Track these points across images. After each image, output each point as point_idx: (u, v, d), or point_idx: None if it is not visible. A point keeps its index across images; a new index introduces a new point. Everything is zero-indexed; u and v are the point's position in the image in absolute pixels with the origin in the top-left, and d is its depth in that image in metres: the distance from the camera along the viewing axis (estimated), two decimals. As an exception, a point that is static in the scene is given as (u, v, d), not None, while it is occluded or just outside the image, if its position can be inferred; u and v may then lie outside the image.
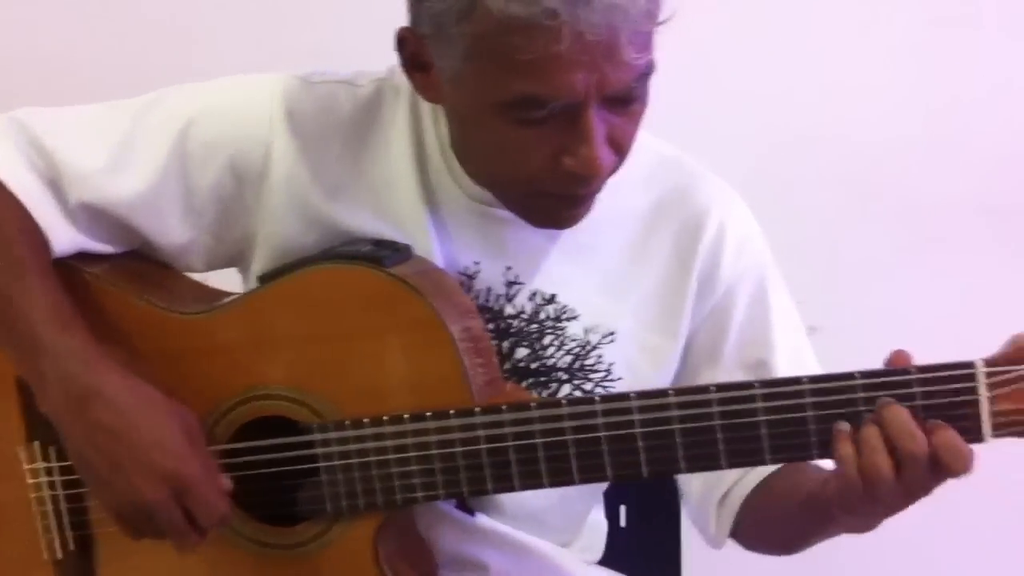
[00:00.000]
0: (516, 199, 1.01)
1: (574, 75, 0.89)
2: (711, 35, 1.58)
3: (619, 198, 1.06)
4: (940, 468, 0.88)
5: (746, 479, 1.08)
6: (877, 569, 1.72)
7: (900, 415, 0.89)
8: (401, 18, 0.97)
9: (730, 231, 1.08)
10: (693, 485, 1.12)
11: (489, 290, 1.07)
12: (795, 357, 1.08)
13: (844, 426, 0.90)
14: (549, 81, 0.89)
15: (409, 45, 0.98)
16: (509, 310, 1.07)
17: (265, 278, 1.03)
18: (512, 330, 1.07)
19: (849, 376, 0.91)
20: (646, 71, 0.93)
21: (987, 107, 1.61)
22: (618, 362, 1.08)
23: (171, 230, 1.05)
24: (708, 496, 1.10)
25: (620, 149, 0.97)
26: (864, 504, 0.91)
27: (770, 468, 1.06)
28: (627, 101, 0.94)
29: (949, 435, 0.88)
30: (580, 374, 1.08)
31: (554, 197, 0.98)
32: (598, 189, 0.99)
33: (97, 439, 0.96)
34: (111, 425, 0.96)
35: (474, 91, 0.94)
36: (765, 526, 1.09)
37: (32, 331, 0.98)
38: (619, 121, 0.95)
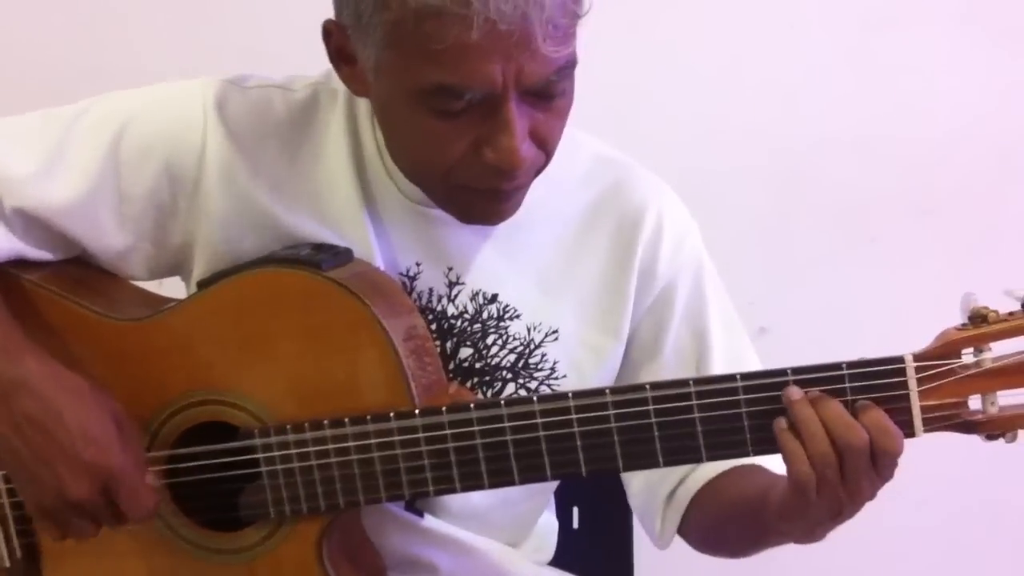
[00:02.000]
0: (442, 194, 1.01)
1: (489, 65, 0.89)
2: (659, 47, 1.59)
3: (556, 196, 1.06)
4: (875, 452, 0.88)
5: (692, 478, 1.08)
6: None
7: (834, 407, 0.89)
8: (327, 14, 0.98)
9: (667, 227, 1.09)
10: (634, 484, 1.12)
11: (431, 291, 1.07)
12: (731, 349, 1.09)
13: (783, 422, 0.91)
14: (463, 70, 0.89)
15: (334, 37, 0.98)
16: (451, 310, 1.07)
17: (204, 283, 1.03)
18: (455, 330, 1.08)
19: (782, 372, 0.91)
20: (566, 65, 0.93)
21: (923, 112, 1.64)
22: (562, 360, 1.08)
23: (107, 237, 1.05)
24: (653, 495, 1.11)
25: (544, 144, 0.97)
26: (811, 505, 0.90)
27: (717, 468, 1.07)
28: (549, 96, 0.94)
29: (877, 415, 0.89)
30: (524, 373, 1.08)
31: (477, 192, 0.98)
32: (523, 184, 0.98)
33: (22, 431, 0.95)
34: (36, 416, 0.94)
35: (393, 81, 0.94)
36: (711, 528, 1.09)
37: None
38: (542, 117, 0.95)
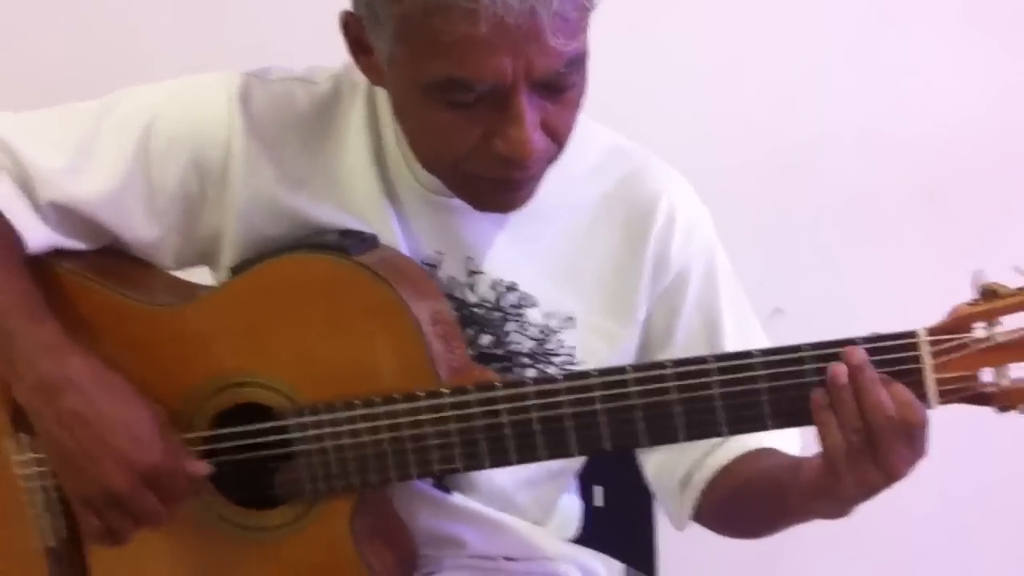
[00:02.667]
0: (455, 182, 1.02)
1: (497, 58, 0.90)
2: (668, 39, 1.61)
3: (571, 186, 1.08)
4: (898, 424, 0.89)
5: (707, 463, 1.10)
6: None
7: (901, 391, 0.89)
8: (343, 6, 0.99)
9: (680, 216, 1.10)
10: (649, 469, 1.14)
11: (452, 279, 1.09)
12: (741, 335, 1.11)
13: (820, 395, 0.91)
14: (472, 64, 0.90)
15: (351, 29, 0.99)
16: (472, 298, 1.10)
17: (235, 269, 1.05)
18: (475, 317, 1.10)
19: (797, 348, 0.93)
20: (576, 57, 0.94)
21: (928, 102, 1.65)
22: (578, 346, 1.10)
23: (138, 228, 1.07)
24: (668, 479, 1.13)
25: (556, 135, 0.98)
26: (843, 480, 0.91)
27: (731, 454, 1.08)
28: (560, 88, 0.95)
29: (898, 388, 0.90)
30: (543, 358, 1.10)
31: (489, 181, 0.99)
32: (536, 174, 0.99)
33: (66, 426, 0.98)
34: (80, 412, 0.97)
35: (405, 73, 0.95)
36: (728, 511, 1.11)
37: (4, 327, 1.00)
38: (554, 108, 0.96)
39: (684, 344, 1.11)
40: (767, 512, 1.06)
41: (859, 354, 0.91)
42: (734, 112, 1.64)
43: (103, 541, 1.02)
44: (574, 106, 0.98)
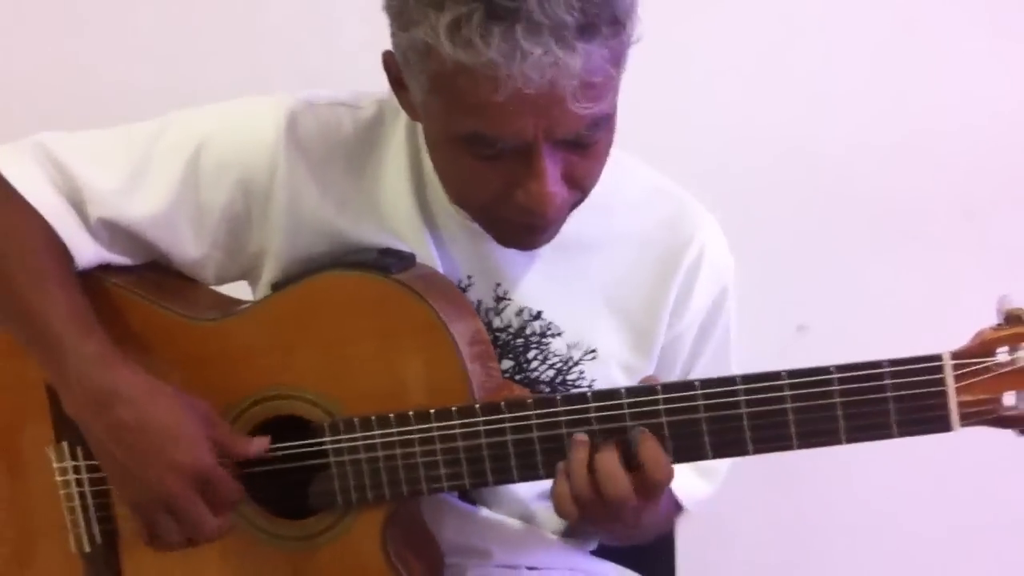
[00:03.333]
0: (481, 222, 1.05)
1: (519, 121, 0.91)
2: (696, 46, 1.62)
3: (607, 223, 1.11)
4: (647, 482, 0.97)
5: None
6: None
7: (606, 459, 0.97)
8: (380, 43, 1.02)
9: (707, 260, 1.12)
10: None
11: (479, 303, 1.12)
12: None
13: (561, 465, 0.99)
14: (495, 124, 0.92)
15: (391, 68, 1.02)
16: (497, 323, 1.12)
17: (277, 286, 1.08)
18: (499, 342, 1.12)
19: (825, 370, 0.96)
20: (601, 117, 0.95)
21: (961, 114, 1.65)
22: (599, 379, 1.13)
23: (185, 246, 1.10)
24: None
25: (580, 184, 0.99)
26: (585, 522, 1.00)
27: None
28: (584, 144, 0.96)
29: (652, 447, 0.97)
30: (562, 388, 1.13)
31: (512, 223, 1.01)
32: (557, 219, 1.01)
33: (118, 436, 1.00)
34: (130, 422, 1.00)
35: (435, 123, 0.99)
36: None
37: (54, 336, 1.02)
38: (578, 159, 0.97)
39: (678, 371, 1.15)
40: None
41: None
42: (758, 128, 1.65)
43: (157, 547, 1.03)
44: (600, 157, 1.00)
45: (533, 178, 0.95)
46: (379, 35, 1.00)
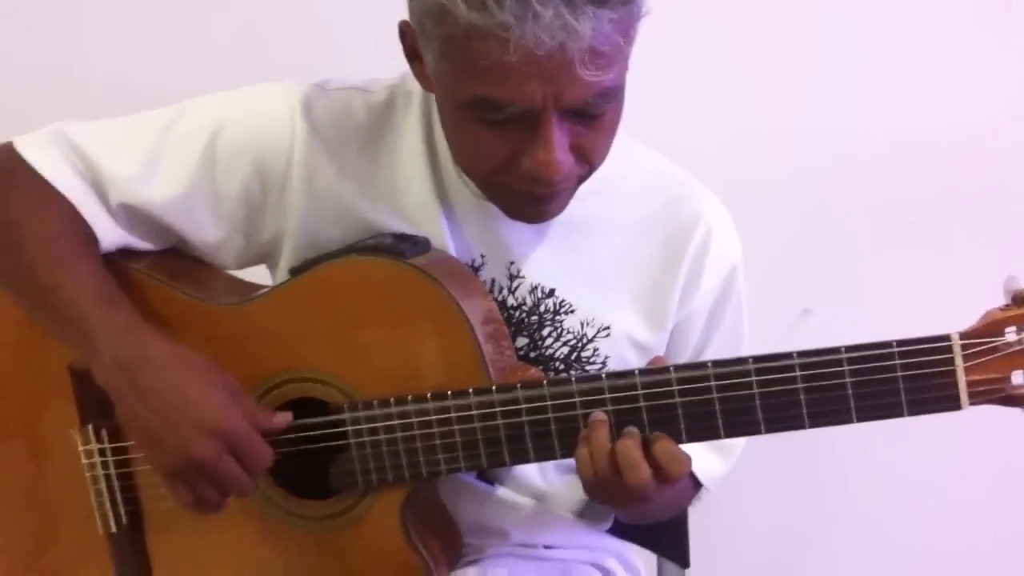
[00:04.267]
0: (488, 191, 1.06)
1: (528, 85, 0.93)
2: (706, 42, 1.63)
3: (615, 203, 1.13)
4: (665, 475, 0.98)
5: None
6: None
7: (626, 444, 0.98)
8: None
9: (715, 239, 1.14)
10: None
11: (493, 281, 1.13)
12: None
13: (583, 432, 1.00)
14: (505, 87, 0.94)
15: (407, 37, 1.03)
16: (511, 301, 1.14)
17: (295, 271, 1.09)
18: (513, 320, 1.14)
19: (836, 351, 0.97)
20: (609, 88, 0.96)
21: (957, 107, 1.67)
22: (612, 355, 1.14)
23: (203, 230, 1.11)
24: None
25: (587, 157, 1.01)
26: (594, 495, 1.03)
27: None
28: (592, 115, 0.98)
29: (666, 445, 0.98)
30: (576, 365, 1.14)
31: (517, 193, 1.03)
32: (564, 190, 1.03)
33: (148, 402, 1.01)
34: (160, 387, 1.01)
35: (446, 89, 1.00)
36: None
37: (82, 313, 1.04)
38: (586, 131, 0.99)
39: (690, 351, 1.17)
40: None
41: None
42: (764, 119, 1.67)
43: (195, 510, 1.04)
44: (608, 130, 1.01)
45: (540, 145, 0.97)
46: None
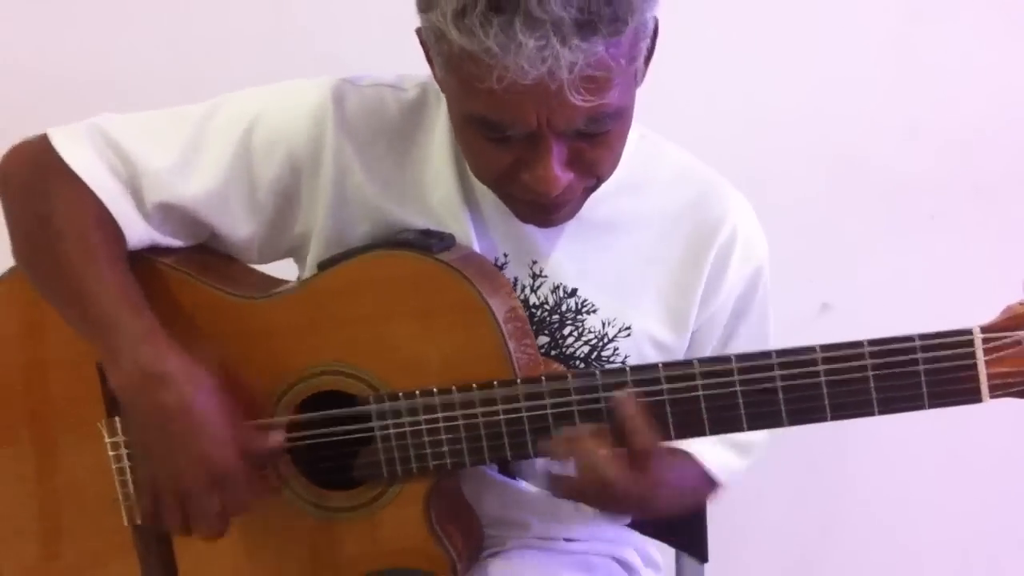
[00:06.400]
0: (498, 196, 1.08)
1: (519, 109, 0.95)
2: (722, 37, 1.64)
3: (640, 202, 1.14)
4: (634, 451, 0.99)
5: None
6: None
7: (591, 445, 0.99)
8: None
9: (740, 238, 1.15)
10: None
11: (516, 280, 1.15)
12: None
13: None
14: (501, 111, 0.96)
15: (423, 44, 1.04)
16: (533, 300, 1.15)
17: (323, 265, 1.10)
18: (535, 319, 1.15)
19: (858, 344, 0.98)
20: (605, 112, 0.96)
21: (976, 96, 1.67)
22: (632, 355, 1.15)
23: (236, 224, 1.12)
24: None
25: (592, 170, 1.02)
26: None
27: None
28: (591, 134, 0.99)
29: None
30: (597, 364, 1.15)
31: (523, 201, 1.05)
32: (564, 201, 1.04)
33: (156, 418, 1.02)
34: (170, 407, 1.01)
35: (451, 100, 1.02)
36: None
37: (104, 315, 1.05)
38: (586, 146, 1.00)
39: (711, 348, 1.17)
40: None
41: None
42: (796, 103, 1.67)
43: (150, 523, 1.06)
44: (612, 145, 1.02)
45: (538, 162, 0.98)
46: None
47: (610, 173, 1.05)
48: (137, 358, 1.03)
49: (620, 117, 1.00)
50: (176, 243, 1.15)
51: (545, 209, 1.05)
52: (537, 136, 0.97)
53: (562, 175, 0.99)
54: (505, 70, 0.91)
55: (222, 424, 1.03)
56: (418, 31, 1.04)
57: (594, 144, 1.00)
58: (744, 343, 1.18)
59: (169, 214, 1.12)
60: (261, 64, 1.58)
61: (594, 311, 1.15)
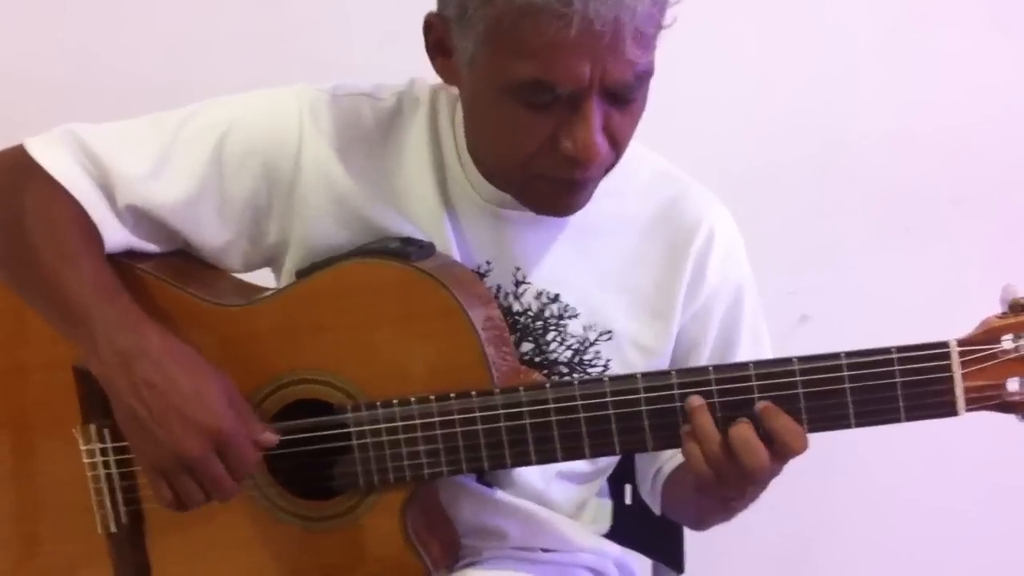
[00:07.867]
0: (519, 183, 1.07)
1: (580, 63, 0.96)
2: (700, 41, 1.61)
3: (618, 205, 1.14)
4: (783, 452, 0.99)
5: (666, 466, 1.19)
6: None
7: (741, 429, 0.98)
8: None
9: (718, 238, 1.16)
10: (640, 466, 1.24)
11: (499, 287, 1.15)
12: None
13: (686, 428, 1.01)
14: (557, 67, 0.96)
15: (435, 30, 1.04)
16: (516, 307, 1.15)
17: (301, 273, 1.10)
18: (519, 326, 1.15)
19: (835, 356, 0.99)
20: (645, 71, 1.00)
21: (957, 106, 1.68)
22: (614, 358, 1.15)
23: (209, 233, 1.12)
24: (647, 471, 1.22)
25: (616, 144, 1.03)
26: (715, 487, 1.01)
27: (679, 459, 1.16)
28: (626, 99, 1.01)
29: (784, 421, 0.98)
30: (580, 368, 1.15)
31: (552, 181, 1.04)
32: (594, 177, 1.05)
33: (142, 394, 1.01)
34: (155, 381, 1.01)
35: (487, 73, 1.00)
36: (676, 503, 1.21)
37: (81, 303, 1.05)
38: (618, 116, 1.01)
39: (706, 360, 1.17)
40: (690, 505, 1.18)
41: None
42: (771, 113, 1.68)
43: (173, 508, 1.05)
44: (635, 117, 1.04)
45: (580, 125, 0.99)
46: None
47: (623, 153, 1.05)
48: (114, 343, 1.03)
49: (647, 86, 1.02)
50: (152, 247, 1.14)
51: (573, 187, 1.05)
52: (581, 99, 0.98)
53: (602, 141, 1.00)
54: (581, 15, 0.93)
55: (210, 389, 1.03)
56: (431, 17, 1.04)
57: (623, 114, 1.01)
58: (744, 350, 1.18)
59: (141, 218, 1.12)
60: (251, 68, 1.57)
61: (575, 316, 1.15)
